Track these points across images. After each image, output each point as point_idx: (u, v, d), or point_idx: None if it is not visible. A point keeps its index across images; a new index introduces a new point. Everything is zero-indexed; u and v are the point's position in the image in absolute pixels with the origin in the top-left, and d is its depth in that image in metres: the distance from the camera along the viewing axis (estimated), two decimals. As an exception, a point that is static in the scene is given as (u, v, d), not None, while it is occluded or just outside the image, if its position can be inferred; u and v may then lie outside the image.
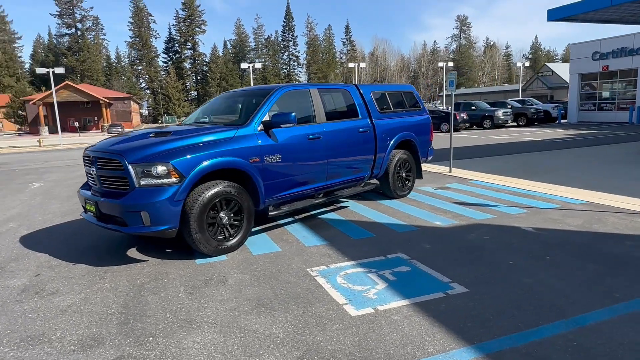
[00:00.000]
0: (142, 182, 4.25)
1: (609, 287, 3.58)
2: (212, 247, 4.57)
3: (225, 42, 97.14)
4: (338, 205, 6.91)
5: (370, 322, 3.14)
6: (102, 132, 49.84)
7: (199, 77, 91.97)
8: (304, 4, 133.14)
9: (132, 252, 4.94)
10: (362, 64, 43.73)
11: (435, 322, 3.10)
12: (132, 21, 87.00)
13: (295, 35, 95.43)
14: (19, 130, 69.11)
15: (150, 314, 3.41)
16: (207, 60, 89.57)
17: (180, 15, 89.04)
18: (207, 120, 5.97)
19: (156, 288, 3.90)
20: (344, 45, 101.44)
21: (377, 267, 4.17)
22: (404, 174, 7.26)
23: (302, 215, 6.33)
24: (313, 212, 6.48)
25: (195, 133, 4.74)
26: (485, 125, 25.44)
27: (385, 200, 7.14)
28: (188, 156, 4.37)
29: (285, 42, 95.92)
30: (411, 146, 7.42)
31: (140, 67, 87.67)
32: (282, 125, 5.09)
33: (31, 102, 54.02)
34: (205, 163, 4.44)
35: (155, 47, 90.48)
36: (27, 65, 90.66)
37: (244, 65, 41.38)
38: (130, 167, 4.24)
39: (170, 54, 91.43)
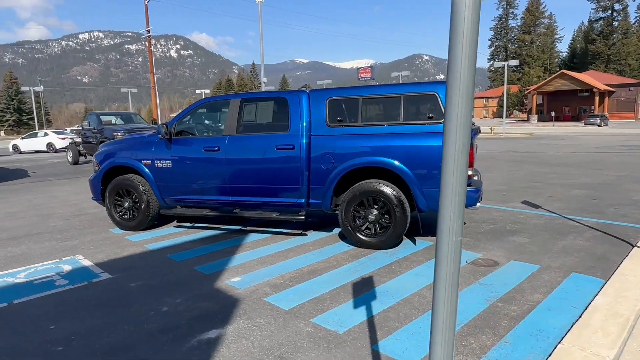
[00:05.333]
0: (95, 168, 6.50)
1: None
2: (115, 221, 6.19)
3: None
4: (304, 232, 5.85)
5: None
6: (584, 122, 45.45)
7: None
8: None
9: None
10: None
11: None
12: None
13: None
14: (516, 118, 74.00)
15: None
16: None
17: None
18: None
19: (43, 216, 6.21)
20: None
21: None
22: (373, 217, 4.93)
23: (261, 228, 6.11)
24: (275, 230, 6.02)
25: (130, 137, 6.33)
26: None
27: (344, 244, 5.24)
28: (102, 155, 6.19)
29: None
30: (401, 180, 4.82)
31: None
32: (159, 136, 5.65)
33: (527, 92, 57.56)
34: (109, 160, 6.08)
35: None
36: (563, 55, 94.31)
37: None
38: (93, 158, 6.59)
39: None
